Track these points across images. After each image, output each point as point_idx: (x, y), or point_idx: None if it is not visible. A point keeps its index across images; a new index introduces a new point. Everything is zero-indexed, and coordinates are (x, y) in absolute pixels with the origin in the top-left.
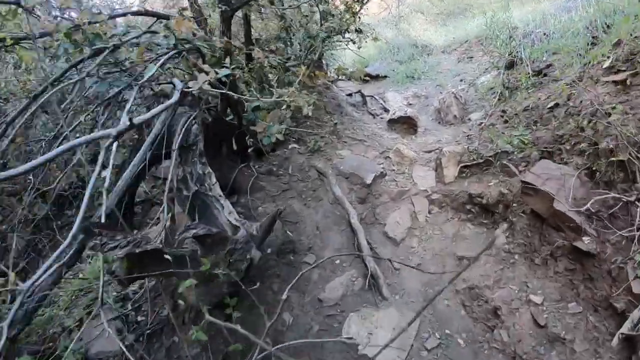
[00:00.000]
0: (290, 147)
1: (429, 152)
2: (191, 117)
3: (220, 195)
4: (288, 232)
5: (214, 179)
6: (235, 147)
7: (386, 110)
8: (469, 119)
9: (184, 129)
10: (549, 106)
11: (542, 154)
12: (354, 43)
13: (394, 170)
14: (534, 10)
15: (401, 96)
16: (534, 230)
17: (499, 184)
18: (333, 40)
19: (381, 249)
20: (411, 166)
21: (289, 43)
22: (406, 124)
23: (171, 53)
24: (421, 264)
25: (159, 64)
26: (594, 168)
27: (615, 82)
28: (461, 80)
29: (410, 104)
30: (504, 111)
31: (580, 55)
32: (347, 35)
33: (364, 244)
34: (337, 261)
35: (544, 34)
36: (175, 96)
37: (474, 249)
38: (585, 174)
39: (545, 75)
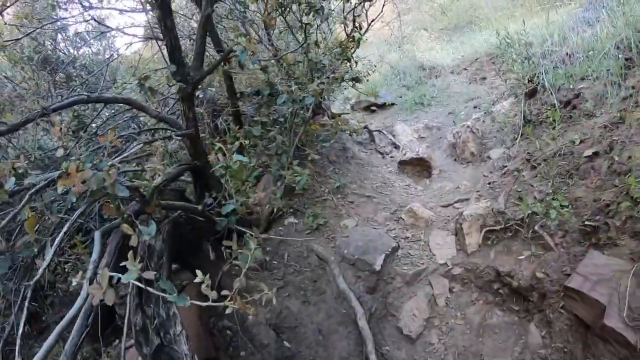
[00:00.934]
0: (287, 222)
1: (447, 206)
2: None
3: (186, 354)
4: (285, 342)
5: (179, 325)
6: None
7: (396, 147)
8: (489, 157)
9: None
10: (586, 154)
11: (585, 228)
12: (356, 82)
13: (407, 237)
14: (547, 23)
15: (411, 128)
16: (577, 337)
17: (531, 259)
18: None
19: (395, 352)
20: (427, 229)
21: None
22: (419, 166)
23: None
24: None
25: None
26: None
27: None
28: (475, 107)
29: (422, 137)
30: (530, 154)
31: (613, 83)
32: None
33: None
34: None
35: (567, 54)
36: None
37: (504, 348)
38: None
39: (574, 107)
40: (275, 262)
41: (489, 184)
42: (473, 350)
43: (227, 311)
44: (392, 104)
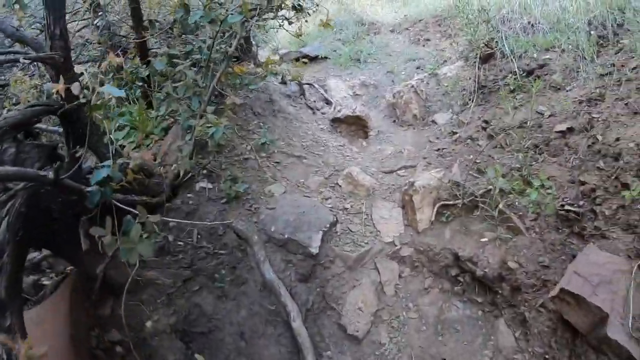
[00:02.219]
0: (198, 187)
1: (390, 172)
2: None
3: None
4: (195, 355)
5: None
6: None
7: (328, 103)
8: (434, 121)
9: None
10: (558, 129)
11: (565, 213)
12: (289, 23)
13: (346, 209)
14: None
15: (346, 84)
16: (562, 343)
17: (497, 244)
18: (261, 19)
19: (338, 358)
20: (369, 200)
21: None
22: (354, 125)
23: None
24: None
25: None
26: None
27: None
28: (418, 68)
29: (357, 95)
30: (486, 122)
31: (585, 58)
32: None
33: None
34: None
35: (529, 23)
36: None
37: (471, 351)
38: None
39: (538, 77)
40: (181, 242)
41: (437, 150)
42: (432, 352)
43: None
44: (326, 58)
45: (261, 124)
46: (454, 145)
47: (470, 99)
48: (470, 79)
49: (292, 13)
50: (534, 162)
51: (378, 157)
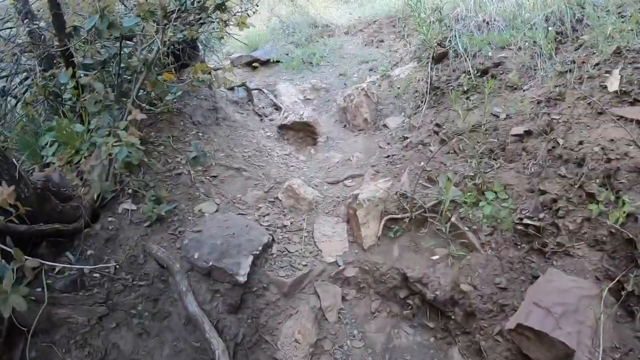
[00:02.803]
0: (121, 209)
1: (335, 183)
2: None
3: None
4: None
5: None
6: None
7: (277, 109)
8: (385, 126)
9: None
10: (515, 132)
11: (523, 227)
12: (225, 24)
13: (285, 226)
14: None
15: (296, 89)
16: None
17: (449, 262)
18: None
19: None
20: (311, 215)
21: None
22: (302, 132)
23: None
24: None
25: None
26: (625, 285)
27: (632, 121)
28: (370, 70)
29: (308, 99)
30: (438, 125)
31: (543, 55)
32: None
33: None
34: None
35: (484, 20)
36: None
37: None
38: (614, 290)
39: (493, 77)
40: (97, 274)
41: (387, 157)
42: None
43: None
44: (278, 62)
45: (200, 134)
46: (405, 151)
47: (422, 101)
48: (422, 80)
49: (221, 14)
50: (488, 169)
51: (325, 165)
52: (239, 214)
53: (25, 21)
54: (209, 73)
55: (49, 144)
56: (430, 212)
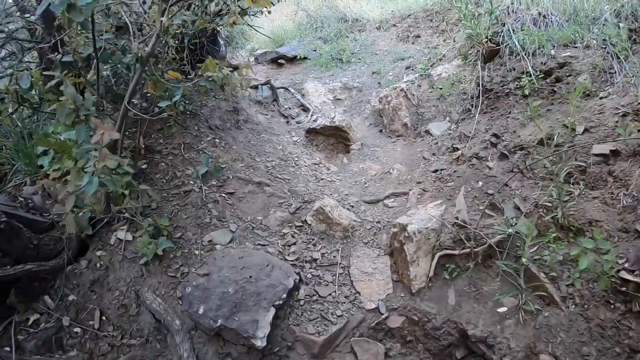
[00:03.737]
0: (113, 239)
1: (375, 202)
2: None
3: None
4: None
5: None
6: None
7: (305, 110)
8: (428, 132)
9: None
10: (597, 151)
11: (621, 283)
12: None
13: (315, 260)
14: None
15: (325, 88)
16: None
17: (522, 318)
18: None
19: None
20: (347, 245)
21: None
22: (333, 137)
23: None
24: None
25: None
26: None
27: None
28: (408, 69)
29: (338, 99)
30: (496, 136)
31: (618, 57)
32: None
33: None
34: None
35: (540, 14)
36: None
37: None
38: None
39: (558, 80)
40: (77, 328)
41: (435, 172)
42: None
43: None
44: (305, 58)
45: (217, 140)
46: (456, 165)
47: (472, 105)
48: (471, 80)
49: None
50: (566, 196)
51: (360, 179)
52: (259, 244)
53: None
54: (229, 69)
55: (43, 152)
56: (494, 248)
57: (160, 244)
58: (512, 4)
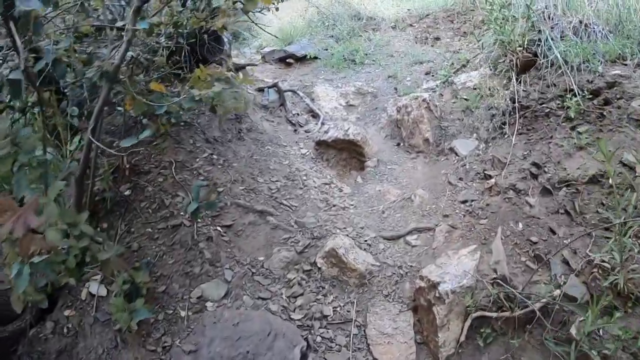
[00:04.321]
0: (84, 294)
1: (396, 238)
2: None
3: None
4: None
5: None
6: None
7: (314, 116)
8: (452, 150)
9: None
10: None
11: None
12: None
13: (327, 317)
14: None
15: (337, 92)
16: None
17: None
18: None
19: None
20: (363, 295)
21: None
22: (346, 151)
23: None
24: None
25: None
26: None
27: None
28: (427, 74)
29: (351, 105)
30: (537, 165)
31: None
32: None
33: None
34: None
35: (581, 22)
36: None
37: None
38: None
39: (607, 102)
40: None
41: (464, 203)
42: None
43: None
44: (315, 58)
45: (214, 156)
46: (489, 196)
47: (505, 123)
48: (504, 95)
49: None
50: (627, 257)
51: (377, 206)
52: (259, 297)
53: None
54: (229, 74)
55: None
56: (538, 313)
57: (136, 313)
58: (547, 8)
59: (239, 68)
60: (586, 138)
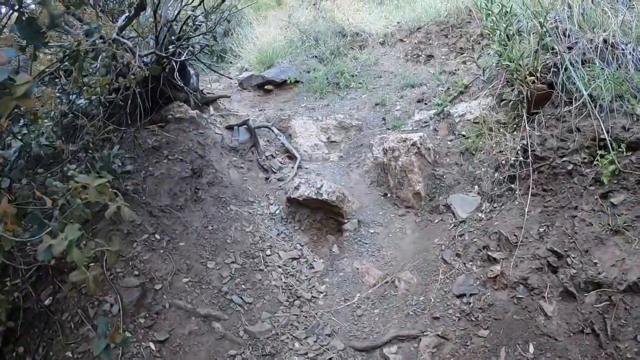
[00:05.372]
0: None
1: (370, 350)
2: None
3: None
4: None
5: None
6: None
7: (290, 157)
8: (448, 207)
9: None
10: None
11: None
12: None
13: None
14: None
15: (317, 125)
16: None
17: None
18: None
19: None
20: None
21: None
22: (321, 211)
23: None
24: None
25: None
26: None
27: None
28: (420, 102)
29: (333, 143)
30: (557, 255)
31: None
32: None
33: None
34: None
35: (605, 41)
36: None
37: None
38: None
39: None
40: None
41: (460, 298)
42: None
43: None
44: (297, 82)
45: (157, 236)
46: (492, 289)
47: (515, 177)
48: (512, 138)
49: None
50: None
51: (353, 295)
52: None
53: None
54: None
55: None
56: None
57: None
58: (560, 22)
59: (210, 101)
60: (624, 215)
